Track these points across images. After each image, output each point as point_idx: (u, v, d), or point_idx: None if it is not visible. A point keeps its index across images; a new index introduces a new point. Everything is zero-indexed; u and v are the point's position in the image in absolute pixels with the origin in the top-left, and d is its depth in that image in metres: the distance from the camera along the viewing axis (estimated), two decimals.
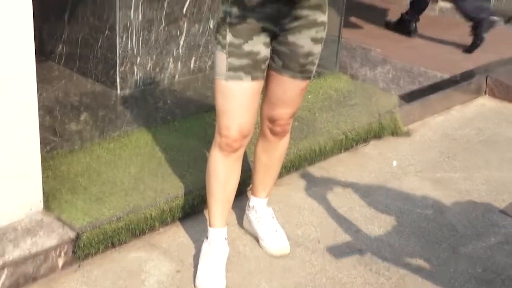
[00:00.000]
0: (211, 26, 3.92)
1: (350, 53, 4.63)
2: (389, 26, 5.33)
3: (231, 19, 2.24)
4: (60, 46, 3.92)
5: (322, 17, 2.31)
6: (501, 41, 5.27)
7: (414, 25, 5.17)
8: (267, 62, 2.33)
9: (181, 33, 3.83)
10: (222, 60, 2.27)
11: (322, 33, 2.34)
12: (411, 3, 5.19)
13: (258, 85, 2.33)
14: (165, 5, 3.69)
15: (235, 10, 2.23)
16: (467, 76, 4.49)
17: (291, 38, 2.29)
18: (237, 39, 2.24)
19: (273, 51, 2.33)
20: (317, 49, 2.35)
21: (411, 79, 4.32)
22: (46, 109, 3.39)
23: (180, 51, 3.85)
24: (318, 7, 2.28)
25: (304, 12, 2.26)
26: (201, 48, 3.94)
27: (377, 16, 5.62)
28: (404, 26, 5.19)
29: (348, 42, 4.72)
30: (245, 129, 2.36)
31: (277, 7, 2.22)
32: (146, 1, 3.61)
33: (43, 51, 3.95)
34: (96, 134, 3.21)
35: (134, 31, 3.62)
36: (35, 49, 2.38)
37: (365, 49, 4.76)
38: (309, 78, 2.41)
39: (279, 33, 2.29)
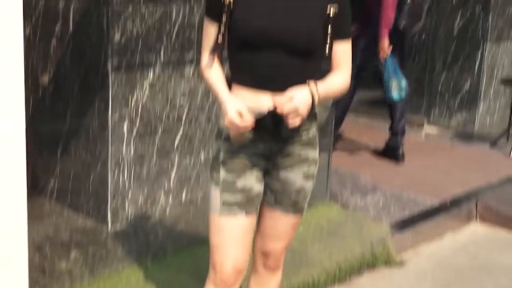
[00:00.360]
0: (202, 159, 3.98)
1: (340, 180, 4.68)
2: (376, 152, 5.42)
3: (224, 156, 2.27)
4: (52, 181, 3.95)
5: (314, 154, 2.35)
6: (487, 164, 5.35)
7: (400, 150, 5.26)
8: (260, 197, 2.34)
9: (172, 166, 3.87)
10: (216, 196, 2.28)
11: (313, 169, 2.36)
12: (389, 129, 5.29)
13: (251, 220, 2.33)
14: (156, 140, 3.76)
15: (227, 146, 2.27)
16: (456, 202, 4.52)
17: (283, 174, 2.32)
18: (230, 175, 2.26)
19: (266, 186, 2.35)
20: (309, 185, 2.37)
21: (402, 206, 4.34)
22: (36, 247, 3.35)
23: (172, 184, 3.88)
24: (309, 144, 2.32)
25: (296, 149, 2.30)
26: (192, 181, 3.97)
27: (364, 143, 5.73)
28: (390, 152, 5.28)
29: (338, 169, 4.77)
30: (239, 265, 2.34)
31: (269, 145, 2.27)
32: (138, 136, 3.67)
33: (36, 186, 3.96)
34: (86, 272, 3.16)
35: (126, 166, 3.66)
36: (27, 185, 2.38)
37: (355, 176, 4.82)
38: (301, 213, 2.41)
39: (271, 169, 2.32)
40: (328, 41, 2.21)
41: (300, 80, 2.18)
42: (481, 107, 6.29)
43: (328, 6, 2.19)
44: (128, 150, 3.64)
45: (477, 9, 6.11)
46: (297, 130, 2.24)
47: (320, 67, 2.25)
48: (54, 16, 3.71)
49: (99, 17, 3.52)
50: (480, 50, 6.16)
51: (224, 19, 2.20)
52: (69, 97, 3.75)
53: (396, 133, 5.23)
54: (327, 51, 2.23)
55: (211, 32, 2.26)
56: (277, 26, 2.16)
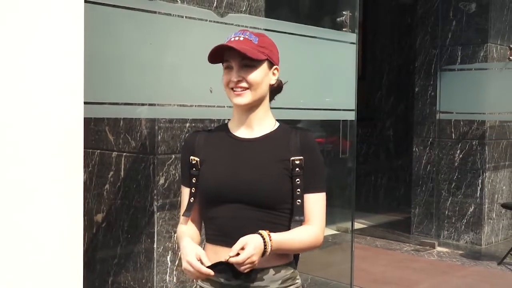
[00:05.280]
0: None
1: None
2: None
3: None
4: None
5: None
6: (498, 283, 5.25)
7: None
8: None
9: None
10: None
11: None
12: None
13: None
14: None
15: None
16: None
17: None
18: None
19: None
20: None
21: None
22: None
23: None
24: None
25: None
26: None
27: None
28: None
29: None
30: None
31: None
32: (180, 266, 3.72)
33: None
34: None
35: None
36: None
37: None
38: None
39: None
40: (295, 196, 2.06)
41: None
42: (486, 228, 6.33)
43: (291, 160, 2.05)
44: (171, 279, 3.74)
45: (474, 144, 6.30)
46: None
47: (292, 220, 2.10)
48: (108, 165, 3.89)
49: (146, 165, 3.64)
50: (481, 179, 6.29)
51: (193, 185, 2.15)
52: (119, 233, 3.83)
53: None
54: (297, 204, 2.07)
55: (185, 195, 2.19)
56: (237, 182, 2.05)
